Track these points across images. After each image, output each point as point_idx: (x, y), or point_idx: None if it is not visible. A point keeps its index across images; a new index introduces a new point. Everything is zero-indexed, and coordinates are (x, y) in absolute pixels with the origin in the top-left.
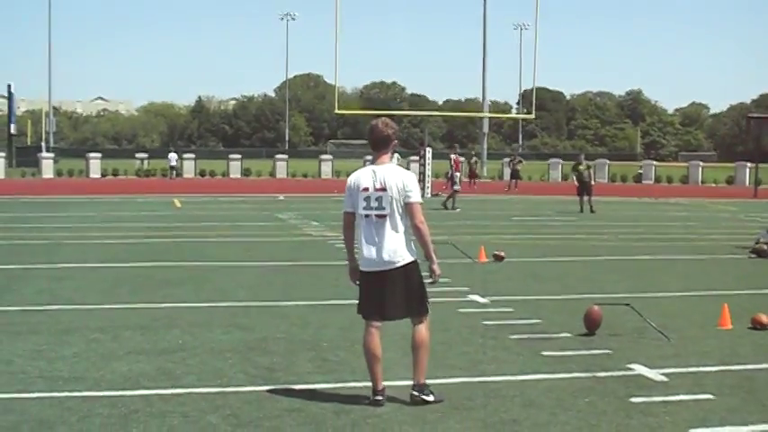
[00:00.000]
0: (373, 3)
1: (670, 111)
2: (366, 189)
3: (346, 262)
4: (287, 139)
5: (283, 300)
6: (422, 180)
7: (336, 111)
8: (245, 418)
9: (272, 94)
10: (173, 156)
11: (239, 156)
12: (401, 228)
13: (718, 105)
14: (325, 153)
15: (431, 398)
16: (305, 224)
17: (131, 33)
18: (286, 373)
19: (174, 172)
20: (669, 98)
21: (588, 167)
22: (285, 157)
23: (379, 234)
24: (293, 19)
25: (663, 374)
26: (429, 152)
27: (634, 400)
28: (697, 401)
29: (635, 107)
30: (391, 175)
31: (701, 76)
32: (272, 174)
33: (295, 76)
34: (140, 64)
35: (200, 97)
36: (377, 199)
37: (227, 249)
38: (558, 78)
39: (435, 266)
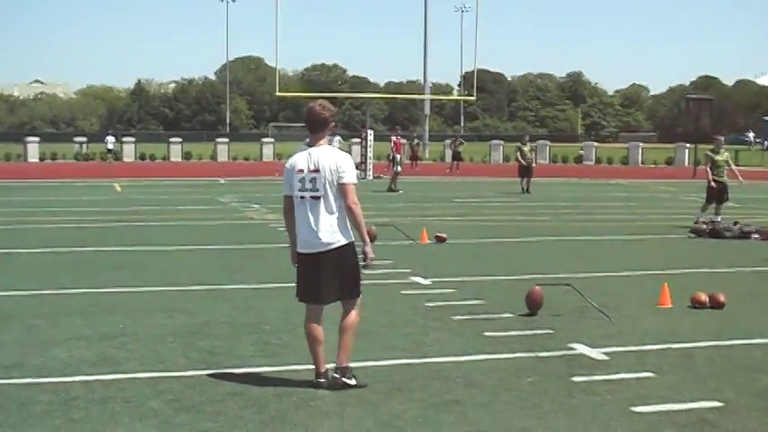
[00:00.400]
0: None
1: (610, 92)
2: (301, 171)
3: (288, 245)
4: (228, 122)
5: (225, 283)
6: (364, 162)
7: (277, 93)
8: (187, 402)
9: (213, 77)
10: (110, 139)
11: (180, 139)
12: (336, 209)
13: (657, 87)
14: (267, 136)
15: (352, 381)
16: (246, 207)
17: (69, 14)
18: (228, 357)
19: (113, 155)
20: (609, 80)
21: (531, 149)
22: (226, 140)
23: (314, 215)
24: (233, 1)
25: (604, 353)
26: (371, 134)
27: (576, 379)
28: (638, 380)
29: (575, 89)
30: (325, 157)
31: (640, 57)
32: (214, 157)
33: (236, 59)
34: (78, 46)
35: (139, 80)
36: (311, 180)
37: (169, 233)
38: (499, 60)
39: (368, 248)
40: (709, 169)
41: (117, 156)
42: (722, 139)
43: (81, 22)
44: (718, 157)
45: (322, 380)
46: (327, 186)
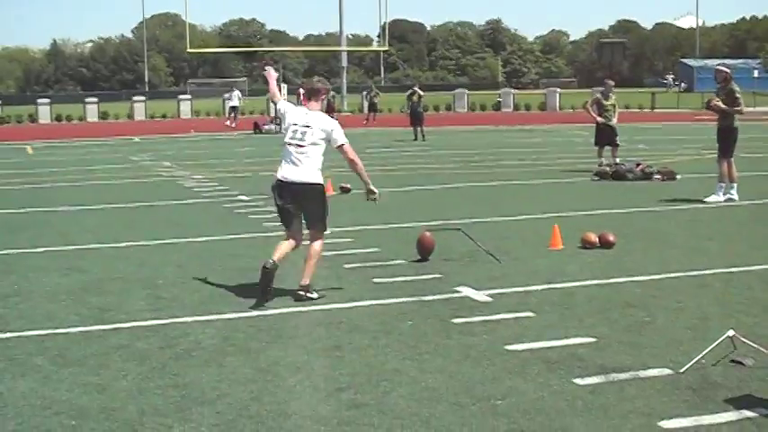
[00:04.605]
0: None
1: (530, 39)
2: (296, 124)
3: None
4: (146, 80)
5: (124, 241)
6: (277, 116)
7: (188, 50)
8: (71, 357)
9: (130, 35)
10: None
11: (96, 99)
12: (314, 158)
13: (577, 32)
14: (185, 93)
15: (315, 295)
16: (157, 165)
17: None
18: (118, 312)
19: None
20: (529, 26)
21: (420, 97)
22: (143, 98)
23: (298, 159)
24: None
25: (488, 295)
26: (285, 88)
27: (455, 321)
28: (517, 319)
29: (495, 36)
30: (316, 119)
31: (560, 3)
32: (131, 116)
33: (152, 16)
34: None
35: (55, 40)
36: (302, 133)
37: (74, 193)
38: (418, 9)
39: (371, 188)
40: (591, 110)
41: None
42: (612, 83)
43: None
44: (607, 102)
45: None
46: (313, 140)
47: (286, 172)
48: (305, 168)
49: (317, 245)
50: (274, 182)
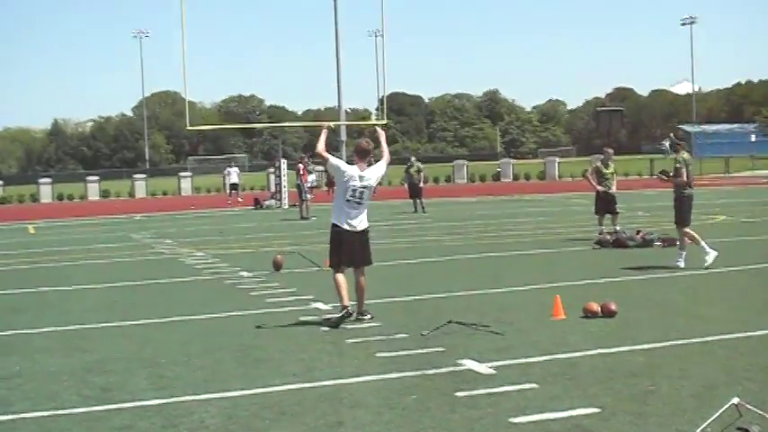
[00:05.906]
0: (227, 18)
1: (528, 109)
2: (354, 183)
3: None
4: (147, 157)
5: (126, 319)
6: (278, 191)
7: (188, 127)
8: None
9: (130, 114)
10: None
11: (97, 177)
12: (366, 209)
13: (574, 101)
14: (185, 170)
15: (368, 316)
16: (158, 242)
17: None
18: (121, 392)
19: None
20: (526, 96)
21: (419, 170)
22: (143, 176)
23: (357, 212)
24: (147, 36)
25: (491, 367)
26: (284, 163)
27: (459, 394)
28: (521, 391)
29: (493, 107)
30: (371, 177)
31: (556, 72)
32: (132, 194)
33: (152, 94)
34: None
35: (56, 120)
36: (360, 194)
37: (76, 273)
38: (416, 82)
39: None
40: (591, 178)
41: None
42: (611, 152)
43: None
44: (606, 170)
45: (350, 312)
46: (367, 197)
47: (350, 224)
48: (362, 220)
49: (364, 280)
50: (337, 228)
